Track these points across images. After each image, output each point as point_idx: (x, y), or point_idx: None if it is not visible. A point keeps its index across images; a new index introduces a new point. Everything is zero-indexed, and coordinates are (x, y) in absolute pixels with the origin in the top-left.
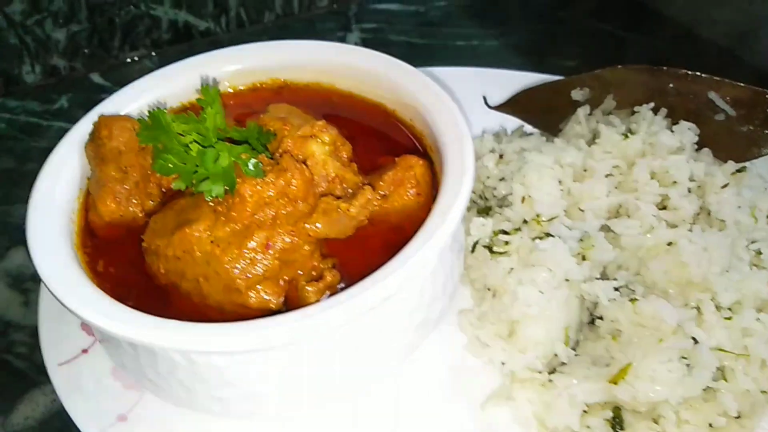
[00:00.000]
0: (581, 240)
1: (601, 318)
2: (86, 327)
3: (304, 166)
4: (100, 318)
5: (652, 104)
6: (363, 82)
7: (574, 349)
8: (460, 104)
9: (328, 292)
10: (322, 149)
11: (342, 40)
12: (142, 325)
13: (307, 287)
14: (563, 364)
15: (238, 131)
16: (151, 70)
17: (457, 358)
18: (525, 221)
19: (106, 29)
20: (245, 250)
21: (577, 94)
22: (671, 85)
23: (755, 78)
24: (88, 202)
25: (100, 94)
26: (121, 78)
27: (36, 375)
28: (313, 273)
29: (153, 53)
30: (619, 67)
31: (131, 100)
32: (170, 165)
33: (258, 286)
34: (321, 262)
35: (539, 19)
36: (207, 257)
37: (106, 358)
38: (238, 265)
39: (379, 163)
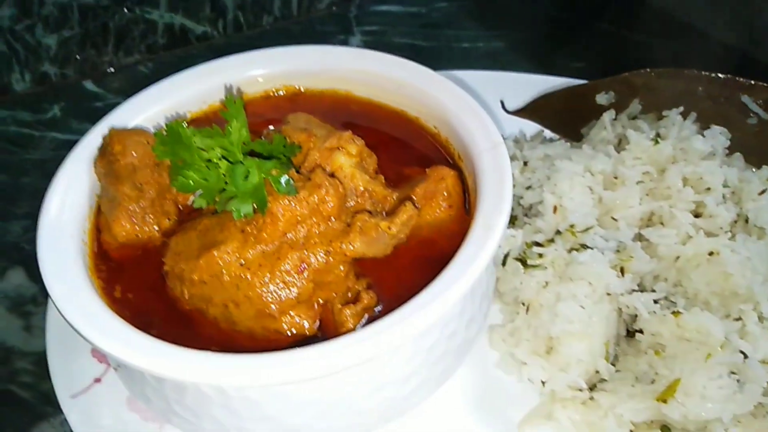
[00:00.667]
0: (618, 251)
1: (640, 331)
2: (98, 353)
3: (338, 182)
4: (128, 352)
5: (681, 108)
6: (382, 89)
7: (613, 365)
8: (489, 110)
9: (366, 316)
10: (349, 161)
11: (344, 43)
12: (173, 357)
13: (344, 311)
14: (603, 380)
15: (262, 144)
16: (146, 77)
17: (488, 375)
18: (558, 232)
19: (99, 34)
20: (278, 273)
21: (602, 98)
22: (701, 88)
23: None
24: (99, 222)
25: (93, 102)
26: (116, 85)
27: (43, 405)
28: (349, 294)
29: (148, 59)
30: (647, 70)
31: (140, 110)
32: (191, 182)
33: (291, 311)
34: (356, 282)
35: (542, 21)
36: (236, 281)
37: (121, 387)
38: (270, 289)
39: (405, 174)
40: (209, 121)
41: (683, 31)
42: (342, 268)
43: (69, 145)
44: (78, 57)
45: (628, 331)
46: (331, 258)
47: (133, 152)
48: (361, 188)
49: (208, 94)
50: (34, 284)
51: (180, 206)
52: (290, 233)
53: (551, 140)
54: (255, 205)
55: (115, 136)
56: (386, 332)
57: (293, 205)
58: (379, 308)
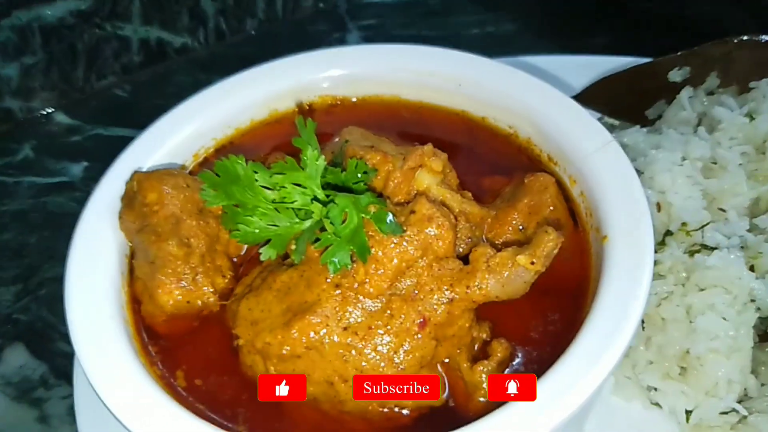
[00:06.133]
0: (742, 248)
1: None
2: None
3: (448, 211)
4: None
5: None
6: (437, 89)
7: None
8: None
9: (505, 372)
10: (435, 180)
11: (341, 41)
12: None
13: (477, 369)
14: (747, 398)
15: (334, 173)
16: (124, 100)
17: (607, 405)
18: (669, 232)
19: (67, 57)
20: (392, 334)
21: (675, 75)
22: None
23: None
24: (135, 291)
25: (69, 136)
26: (91, 113)
27: None
28: (474, 346)
29: (125, 80)
30: (726, 39)
31: (155, 146)
32: (256, 230)
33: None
34: (479, 329)
35: None
36: (342, 351)
37: None
38: (386, 356)
39: (485, 186)
40: (236, 149)
41: None
42: (466, 316)
43: (50, 190)
44: (44, 86)
45: (758, 336)
46: (453, 307)
47: (173, 200)
48: (456, 210)
49: (230, 121)
50: (40, 362)
51: (234, 259)
52: (400, 282)
53: (613, 126)
54: (354, 253)
55: (144, 181)
56: (557, 402)
57: (400, 248)
58: (518, 360)
